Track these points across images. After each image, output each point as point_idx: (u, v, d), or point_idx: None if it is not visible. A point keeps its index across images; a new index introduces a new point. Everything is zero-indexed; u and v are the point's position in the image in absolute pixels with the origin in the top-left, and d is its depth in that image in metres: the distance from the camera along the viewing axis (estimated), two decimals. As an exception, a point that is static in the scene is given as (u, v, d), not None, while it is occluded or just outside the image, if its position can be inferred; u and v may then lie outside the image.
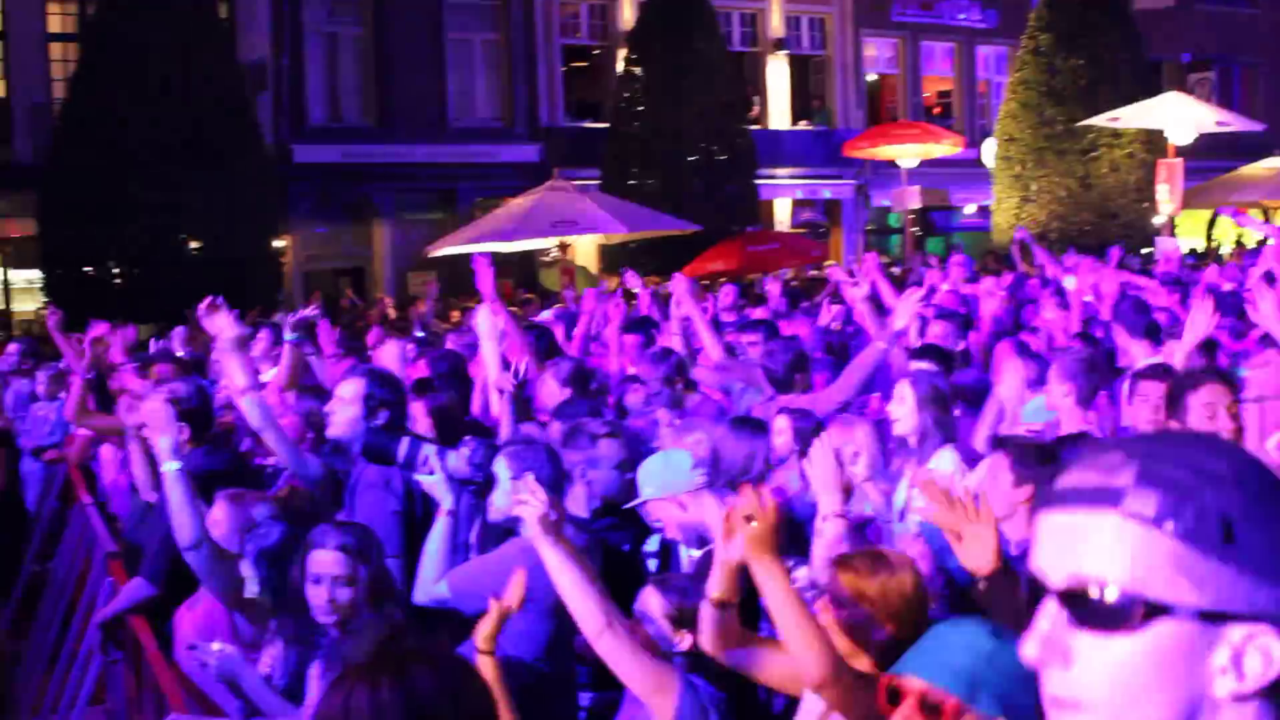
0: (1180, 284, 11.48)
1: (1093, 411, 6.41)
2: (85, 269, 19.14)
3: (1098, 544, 1.32)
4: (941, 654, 2.85)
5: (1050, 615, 1.34)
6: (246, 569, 4.86)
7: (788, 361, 7.23)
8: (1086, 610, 1.32)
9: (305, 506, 5.68)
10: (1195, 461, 1.33)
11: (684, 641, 3.89)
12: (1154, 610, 1.30)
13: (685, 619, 3.88)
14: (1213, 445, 1.37)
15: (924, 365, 6.93)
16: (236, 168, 20.35)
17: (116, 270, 19.75)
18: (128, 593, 6.11)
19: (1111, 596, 1.31)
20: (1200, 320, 6.44)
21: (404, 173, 26.81)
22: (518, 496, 3.98)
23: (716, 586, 3.62)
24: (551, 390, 7.24)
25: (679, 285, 8.56)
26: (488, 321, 7.03)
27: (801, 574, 4.41)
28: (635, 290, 11.64)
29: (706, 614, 3.64)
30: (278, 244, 22.76)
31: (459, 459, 4.92)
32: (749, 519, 3.46)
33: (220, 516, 5.34)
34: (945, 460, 5.52)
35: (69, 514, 9.39)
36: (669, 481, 4.81)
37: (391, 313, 17.30)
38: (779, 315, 11.64)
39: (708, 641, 3.66)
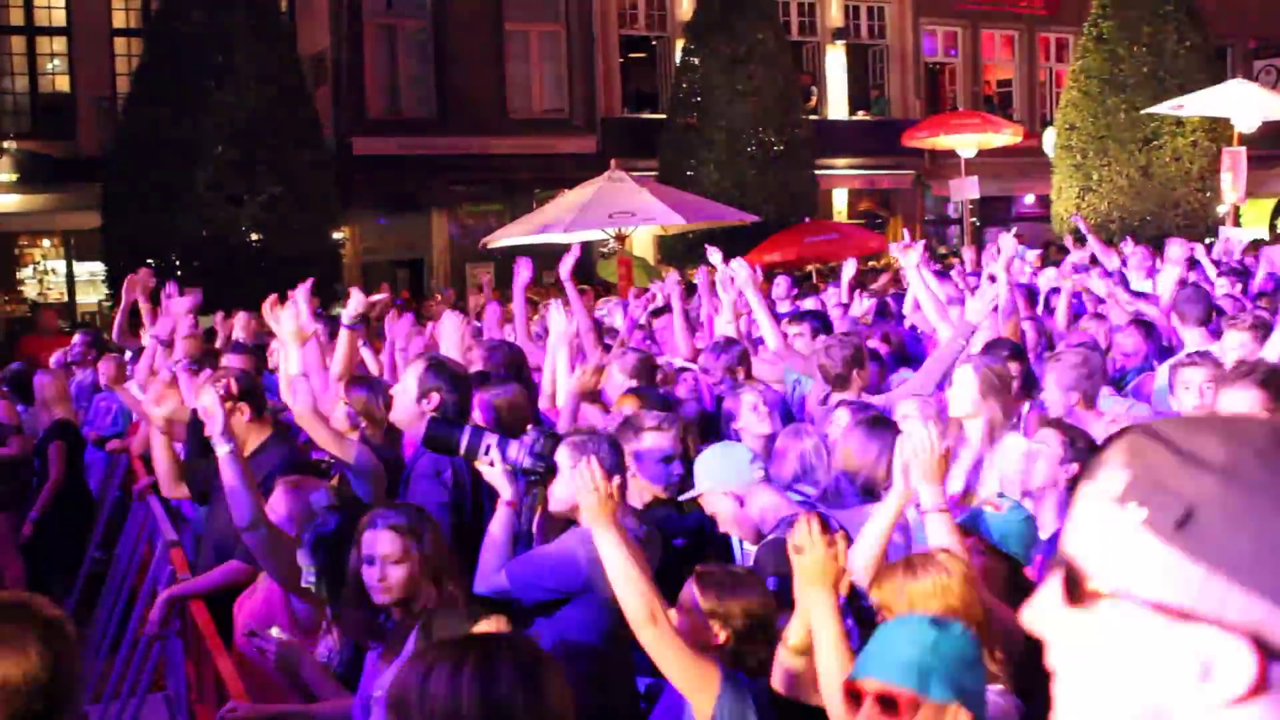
0: (1244, 272, 11.33)
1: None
2: (148, 261, 19.32)
3: (1077, 520, 1.29)
4: (889, 652, 3.00)
5: (1051, 588, 1.31)
6: (303, 558, 4.90)
7: (846, 357, 7.18)
8: (1066, 584, 1.28)
9: (359, 496, 5.71)
10: (1189, 444, 1.24)
11: (720, 637, 3.88)
12: (1104, 591, 1.24)
13: (724, 614, 3.87)
14: (1226, 429, 1.26)
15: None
16: (296, 160, 20.52)
17: (178, 263, 19.94)
18: (223, 573, 6.13)
19: (1075, 571, 1.27)
20: None
21: (462, 164, 26.89)
22: (578, 483, 4.01)
23: (794, 634, 3.64)
24: (616, 382, 7.25)
25: (741, 271, 8.47)
26: (561, 319, 7.11)
27: None
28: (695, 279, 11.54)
29: (782, 661, 3.66)
30: (337, 236, 22.92)
31: (520, 449, 4.93)
32: (799, 550, 3.50)
33: (279, 503, 5.39)
34: (1013, 446, 5.51)
35: (131, 503, 9.50)
36: (727, 475, 4.80)
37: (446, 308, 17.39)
38: (845, 306, 11.58)
39: (780, 684, 3.67)
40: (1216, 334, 7.80)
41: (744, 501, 4.79)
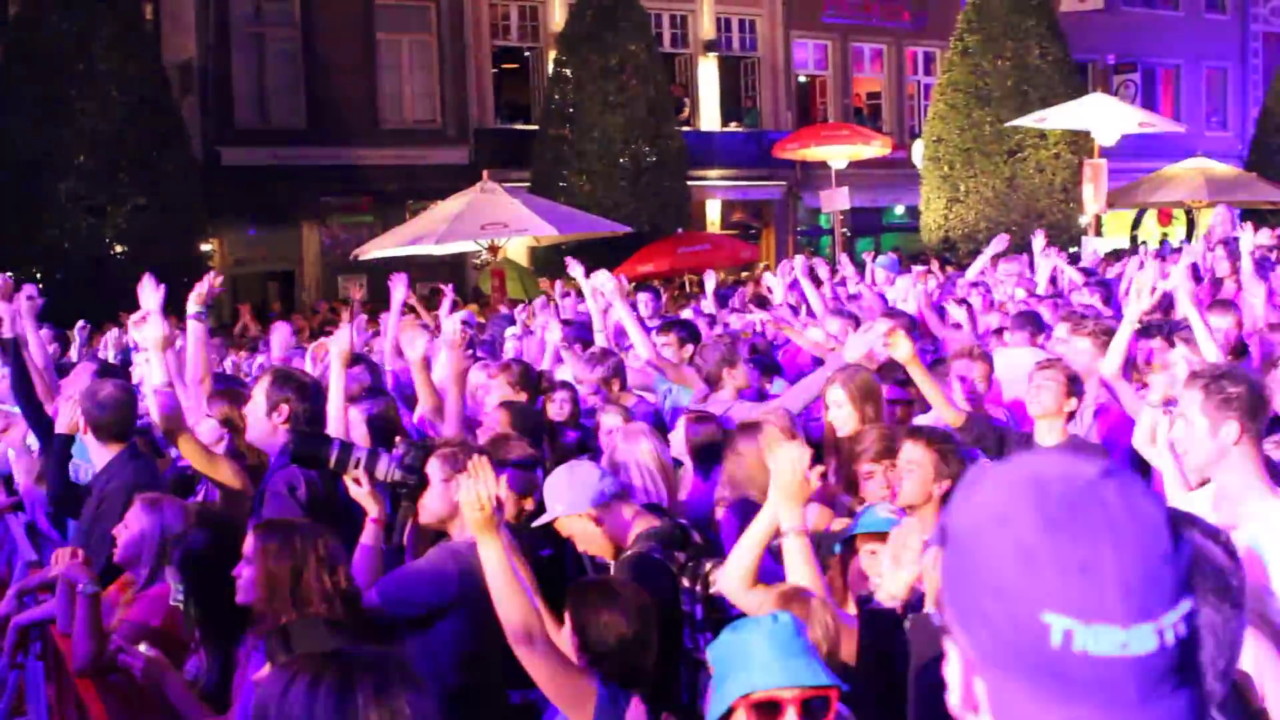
0: (1103, 283, 11.59)
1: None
2: (7, 273, 18.78)
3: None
4: (780, 658, 3.01)
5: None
6: (170, 575, 4.79)
7: (718, 358, 7.24)
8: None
9: (224, 512, 5.60)
10: (987, 473, 1.32)
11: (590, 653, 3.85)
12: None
13: (599, 626, 3.84)
14: (1013, 469, 1.31)
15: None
16: (162, 170, 20.16)
17: (39, 275, 19.44)
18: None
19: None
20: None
21: (333, 175, 26.60)
22: (462, 494, 3.92)
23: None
24: (502, 392, 7.21)
25: (609, 284, 8.49)
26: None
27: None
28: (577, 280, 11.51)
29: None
30: (205, 247, 22.54)
31: (389, 463, 4.85)
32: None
33: (134, 520, 5.27)
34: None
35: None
36: (577, 497, 4.74)
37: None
38: (712, 317, 11.66)
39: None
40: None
41: (599, 520, 4.74)
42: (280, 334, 11.32)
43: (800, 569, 3.93)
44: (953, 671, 1.30)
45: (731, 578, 3.97)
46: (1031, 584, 1.21)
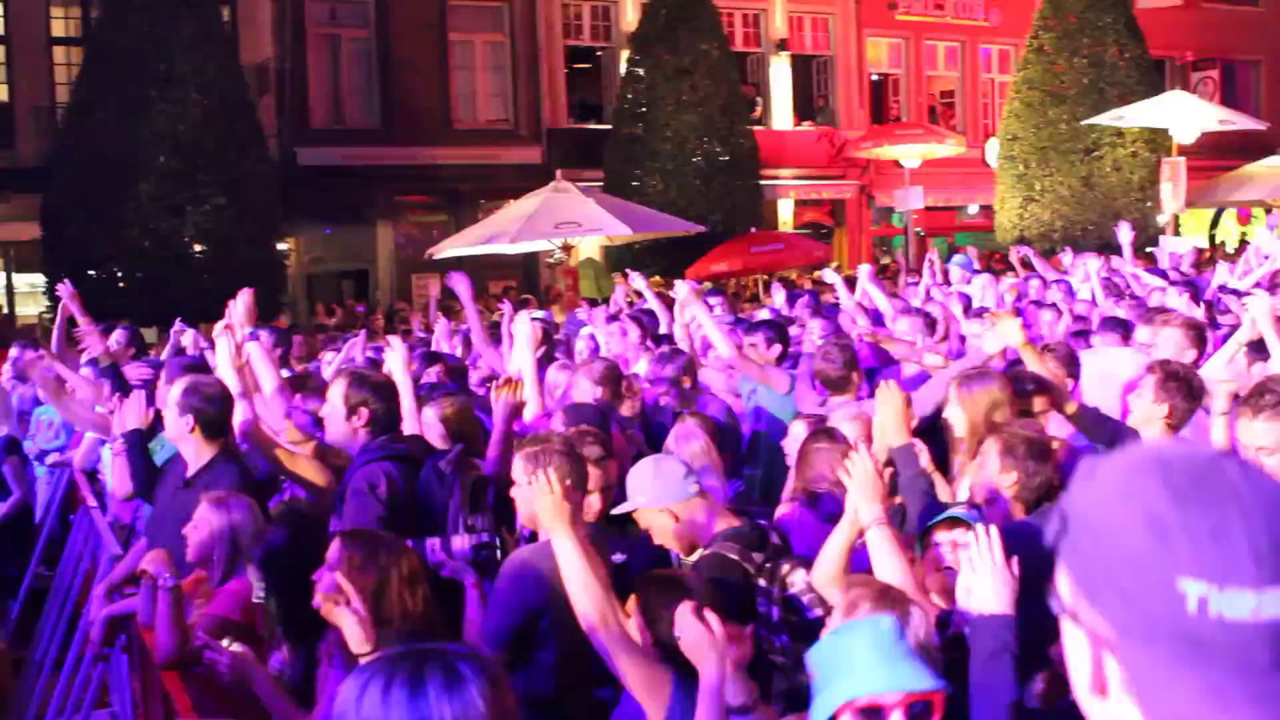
0: (1190, 284, 11.45)
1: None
2: (89, 272, 19.10)
3: None
4: (881, 662, 3.00)
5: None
6: (253, 573, 4.85)
7: (846, 360, 7.23)
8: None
9: (306, 510, 5.65)
10: (1106, 460, 1.33)
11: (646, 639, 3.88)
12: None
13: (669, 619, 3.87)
14: (1153, 453, 1.33)
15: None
16: (239, 170, 20.37)
17: (120, 274, 19.76)
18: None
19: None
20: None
21: (407, 175, 26.80)
22: (535, 489, 3.99)
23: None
24: (584, 390, 7.22)
25: (682, 289, 8.57)
26: (526, 327, 7.02)
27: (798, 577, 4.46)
28: (640, 290, 11.61)
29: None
30: (281, 246, 22.76)
31: (461, 540, 4.98)
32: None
33: (205, 521, 5.33)
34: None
35: (73, 519, 9.37)
36: (660, 491, 4.77)
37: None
38: (784, 318, 11.64)
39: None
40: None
41: (679, 516, 4.76)
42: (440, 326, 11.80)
43: (886, 561, 4.00)
44: (1078, 656, 1.31)
45: (822, 580, 4.02)
46: (1165, 552, 1.23)
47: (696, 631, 3.41)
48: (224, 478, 5.83)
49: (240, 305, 6.52)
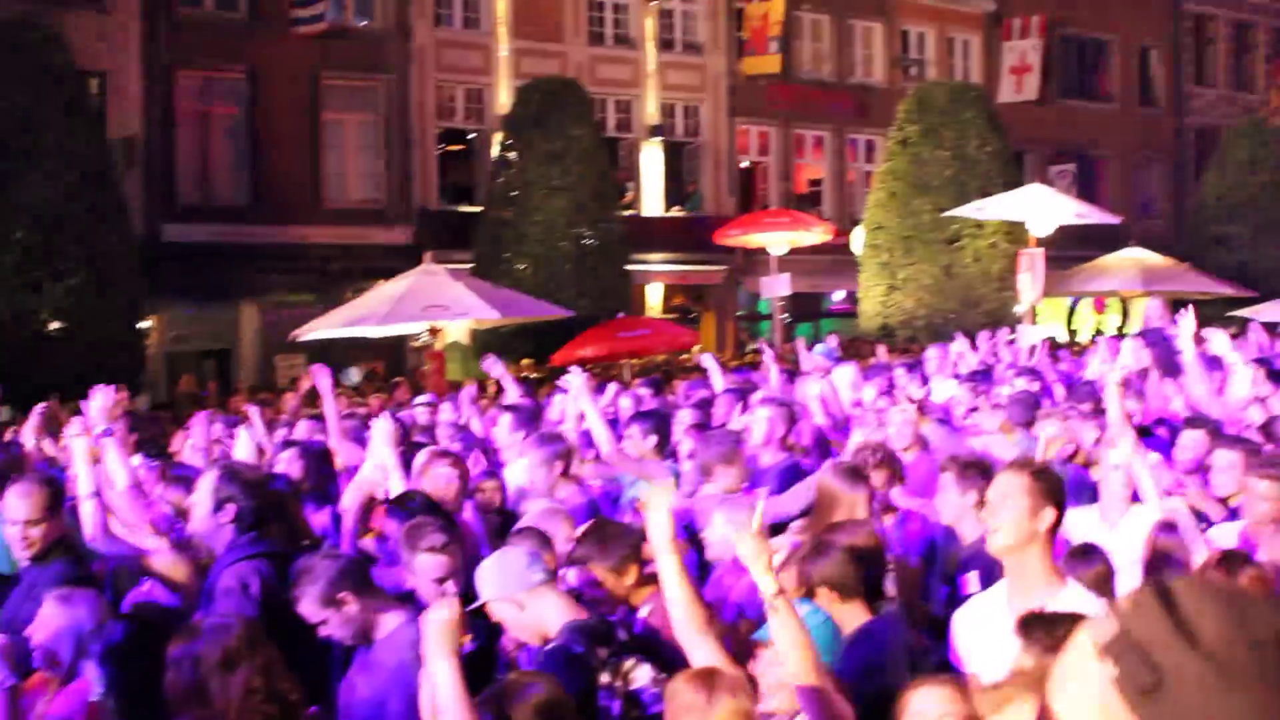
0: (1036, 373, 11.74)
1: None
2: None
3: (1063, 657, 1.41)
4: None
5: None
6: (91, 671, 4.74)
7: (720, 452, 7.25)
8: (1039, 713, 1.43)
9: (156, 605, 5.54)
10: (1191, 612, 1.29)
11: None
12: None
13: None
14: (1233, 609, 1.29)
15: None
16: (102, 246, 20.04)
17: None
18: None
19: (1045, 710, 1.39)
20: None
21: (275, 253, 26.53)
22: (427, 619, 4.07)
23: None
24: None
25: (576, 379, 8.55)
26: (385, 424, 6.97)
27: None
28: (499, 378, 11.60)
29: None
30: (142, 325, 22.38)
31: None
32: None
33: (49, 617, 5.20)
34: None
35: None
36: (505, 582, 4.77)
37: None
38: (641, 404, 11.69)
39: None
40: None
41: (523, 605, 4.75)
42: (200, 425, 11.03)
43: (783, 636, 3.91)
44: None
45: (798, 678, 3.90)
46: None
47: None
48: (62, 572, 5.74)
49: (96, 403, 6.44)
